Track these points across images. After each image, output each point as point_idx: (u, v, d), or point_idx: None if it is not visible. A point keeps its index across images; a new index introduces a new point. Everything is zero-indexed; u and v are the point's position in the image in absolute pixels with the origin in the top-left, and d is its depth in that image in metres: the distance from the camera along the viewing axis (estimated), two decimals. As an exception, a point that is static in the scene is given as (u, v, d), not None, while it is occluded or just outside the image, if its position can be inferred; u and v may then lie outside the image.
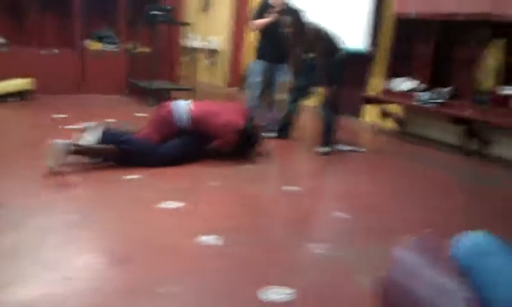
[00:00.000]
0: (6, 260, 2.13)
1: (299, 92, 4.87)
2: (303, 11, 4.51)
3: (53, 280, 2.00)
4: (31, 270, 2.06)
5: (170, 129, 3.78)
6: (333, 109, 4.56)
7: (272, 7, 5.06)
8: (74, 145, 3.36)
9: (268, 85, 5.38)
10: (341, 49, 4.51)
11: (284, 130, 4.99)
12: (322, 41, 4.45)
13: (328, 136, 4.60)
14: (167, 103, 3.96)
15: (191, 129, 3.79)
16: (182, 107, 3.84)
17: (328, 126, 4.58)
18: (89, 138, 3.50)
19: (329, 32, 4.51)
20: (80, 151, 3.43)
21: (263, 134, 4.40)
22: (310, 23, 4.50)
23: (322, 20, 6.57)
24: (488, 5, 4.61)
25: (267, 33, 5.08)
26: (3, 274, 2.02)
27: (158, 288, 2.01)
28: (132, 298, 1.93)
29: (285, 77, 5.20)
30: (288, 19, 4.44)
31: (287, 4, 5.10)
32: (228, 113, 3.90)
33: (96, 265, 2.17)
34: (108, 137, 3.55)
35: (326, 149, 4.56)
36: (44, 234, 2.42)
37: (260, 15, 5.13)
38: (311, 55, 4.56)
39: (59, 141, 3.28)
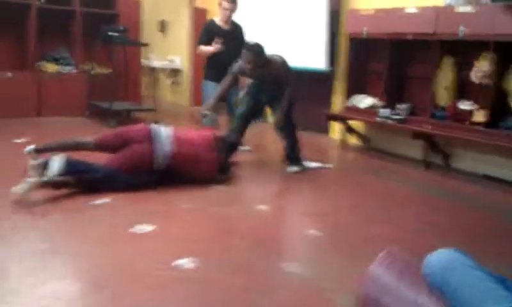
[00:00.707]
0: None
1: (245, 116, 4.69)
2: (262, 46, 4.33)
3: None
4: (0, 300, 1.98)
5: (144, 167, 3.65)
6: (290, 128, 4.62)
7: (218, 30, 5.01)
8: (42, 182, 3.25)
9: (224, 105, 5.25)
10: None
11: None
12: (288, 71, 4.48)
13: (294, 155, 4.65)
14: (148, 138, 3.69)
15: (166, 169, 3.72)
16: (163, 149, 3.67)
17: (292, 146, 4.64)
18: (54, 167, 3.32)
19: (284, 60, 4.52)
20: (48, 184, 3.32)
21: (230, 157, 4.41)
22: (270, 56, 4.41)
23: (282, 41, 6.79)
24: (432, 25, 4.84)
25: (216, 54, 4.99)
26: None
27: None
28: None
29: (238, 95, 5.17)
30: (247, 54, 4.26)
31: (235, 25, 5.12)
32: (206, 156, 3.90)
33: (66, 295, 2.10)
34: (72, 166, 3.40)
35: (296, 168, 4.60)
36: (9, 264, 2.34)
37: (206, 39, 5.04)
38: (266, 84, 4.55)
39: (28, 181, 3.18)
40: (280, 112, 4.50)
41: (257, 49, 4.27)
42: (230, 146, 4.45)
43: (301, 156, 4.72)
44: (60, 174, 3.30)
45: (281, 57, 4.45)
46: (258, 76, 4.51)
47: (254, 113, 4.74)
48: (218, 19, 5.14)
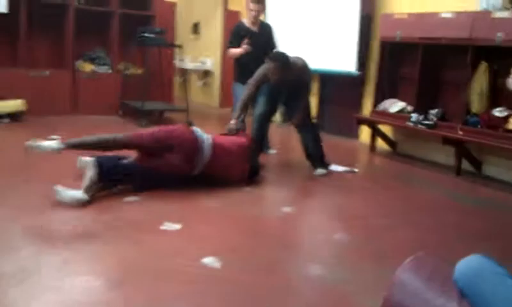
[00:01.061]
0: (4, 285, 2.12)
1: (263, 117, 4.74)
2: (286, 56, 4.34)
3: (44, 303, 1.99)
4: (26, 293, 2.05)
5: (180, 174, 3.66)
6: (312, 129, 4.63)
7: (247, 32, 5.03)
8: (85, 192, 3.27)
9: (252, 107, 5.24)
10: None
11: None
12: (308, 74, 4.51)
13: (318, 157, 4.65)
14: (192, 151, 3.64)
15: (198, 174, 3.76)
16: (204, 159, 3.69)
17: (316, 147, 4.64)
18: (89, 174, 3.36)
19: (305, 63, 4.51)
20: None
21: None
22: (291, 59, 4.38)
23: (313, 44, 6.78)
24: (467, 30, 4.75)
25: (243, 56, 5.03)
26: (3, 298, 2.01)
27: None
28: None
29: None
30: (273, 65, 4.26)
31: (263, 25, 5.12)
32: (240, 165, 3.95)
33: (92, 289, 2.16)
34: (105, 175, 3.40)
35: (323, 171, 4.61)
36: (39, 257, 2.41)
37: (235, 41, 5.06)
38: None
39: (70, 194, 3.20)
40: (299, 112, 4.51)
41: (283, 60, 4.29)
42: (253, 149, 4.48)
43: (326, 158, 4.72)
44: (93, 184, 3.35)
45: (302, 60, 4.45)
46: (281, 80, 4.48)
47: (271, 113, 4.78)
48: (246, 21, 5.18)
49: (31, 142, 3.33)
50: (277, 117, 7.62)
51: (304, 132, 4.64)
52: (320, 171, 4.60)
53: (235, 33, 5.11)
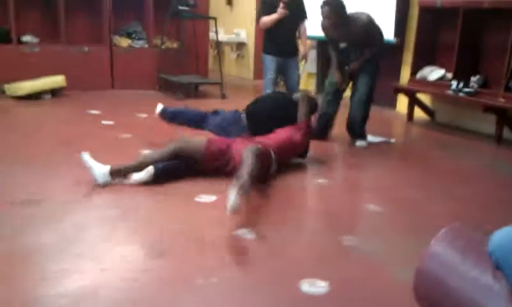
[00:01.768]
0: (48, 254, 2.23)
1: (337, 94, 4.65)
2: (341, 2, 4.19)
3: (92, 272, 2.09)
4: (72, 263, 2.15)
5: None
6: (368, 101, 4.50)
7: (278, 0, 4.87)
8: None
9: (283, 81, 5.24)
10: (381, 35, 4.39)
11: (323, 131, 4.71)
12: (375, 30, 4.27)
13: (361, 129, 4.55)
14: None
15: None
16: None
17: (363, 120, 4.52)
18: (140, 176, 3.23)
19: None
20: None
21: None
22: (354, 13, 4.26)
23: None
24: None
25: (274, 26, 4.91)
26: (45, 267, 2.12)
27: (196, 279, 2.07)
28: (170, 289, 2.00)
29: (298, 72, 5.10)
30: (326, 9, 4.14)
31: None
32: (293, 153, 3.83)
33: (134, 258, 2.25)
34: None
35: (364, 143, 4.53)
36: (83, 229, 2.52)
37: (268, 10, 4.92)
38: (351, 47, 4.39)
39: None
40: (356, 63, 4.37)
41: (336, 3, 4.14)
42: (322, 128, 4.58)
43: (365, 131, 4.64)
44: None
45: (367, 16, 4.23)
46: (343, 36, 4.34)
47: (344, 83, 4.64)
48: None
49: (86, 157, 3.10)
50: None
51: (363, 103, 4.44)
52: (362, 142, 4.52)
53: (267, 2, 5.01)
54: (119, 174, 3.17)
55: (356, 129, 4.55)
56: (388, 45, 6.17)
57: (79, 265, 2.14)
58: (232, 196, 2.53)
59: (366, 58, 4.34)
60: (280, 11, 4.83)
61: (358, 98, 4.44)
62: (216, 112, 4.06)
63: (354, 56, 4.42)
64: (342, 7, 4.17)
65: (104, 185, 3.09)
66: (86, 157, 3.10)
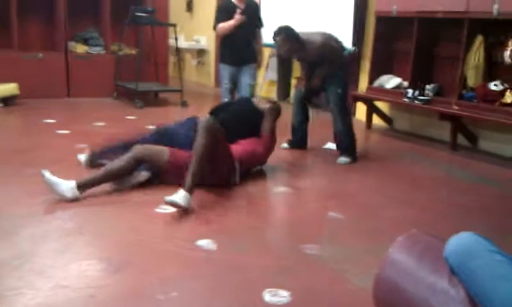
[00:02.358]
0: (1, 271, 2.13)
1: (301, 104, 4.68)
2: (290, 28, 4.23)
3: (48, 289, 2.01)
4: (26, 280, 2.06)
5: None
6: (344, 113, 4.43)
7: (234, 7, 4.81)
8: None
9: (236, 89, 5.12)
10: (345, 47, 4.45)
11: (299, 141, 4.76)
12: (335, 43, 4.32)
13: (346, 144, 4.43)
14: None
15: None
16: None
17: (345, 134, 4.41)
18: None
19: (330, 34, 4.39)
20: None
21: None
22: (309, 35, 4.29)
23: (308, 19, 6.71)
24: (464, 3, 4.70)
25: (228, 35, 4.86)
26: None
27: (156, 293, 2.02)
28: (129, 305, 1.95)
29: (253, 80, 5.05)
30: (279, 38, 4.19)
31: (249, 1, 4.88)
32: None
33: (91, 272, 2.18)
34: None
35: (347, 159, 4.38)
36: (38, 242, 2.42)
37: (224, 17, 4.85)
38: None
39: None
40: (316, 78, 4.39)
41: (287, 32, 4.20)
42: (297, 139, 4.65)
43: (356, 146, 4.49)
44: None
45: (323, 38, 4.28)
46: (301, 59, 4.43)
47: (310, 99, 4.66)
48: None
49: (47, 175, 2.94)
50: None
51: (339, 116, 4.39)
52: (344, 159, 4.38)
53: (222, 8, 4.95)
54: (87, 187, 3.04)
55: (342, 142, 4.44)
56: (350, 55, 6.32)
57: (34, 282, 2.05)
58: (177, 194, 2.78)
59: (325, 74, 4.39)
60: (237, 17, 4.78)
61: (332, 109, 4.45)
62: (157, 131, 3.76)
63: (318, 71, 4.45)
64: (294, 34, 4.22)
65: (73, 200, 2.96)
66: (47, 174, 2.93)
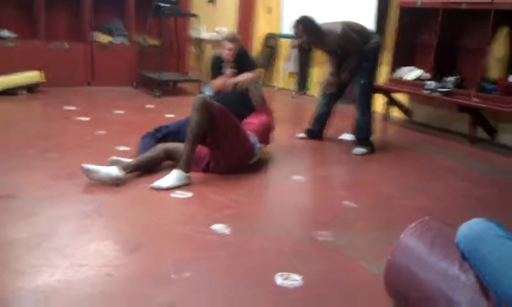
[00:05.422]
0: (22, 249, 2.21)
1: (326, 97, 4.66)
2: (309, 18, 4.21)
3: (66, 267, 2.07)
4: (45, 258, 2.13)
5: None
6: (365, 103, 4.38)
7: (223, 63, 4.60)
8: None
9: None
10: (373, 36, 4.37)
11: (318, 132, 4.74)
12: (347, 38, 4.23)
13: (364, 134, 4.39)
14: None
15: None
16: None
17: (364, 124, 4.37)
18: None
19: (353, 24, 4.33)
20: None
21: None
22: (328, 25, 4.27)
23: (330, 10, 6.67)
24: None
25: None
26: (19, 262, 2.10)
27: (170, 273, 2.07)
28: (144, 283, 2.00)
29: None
30: (298, 28, 4.19)
31: (239, 48, 4.60)
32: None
33: (108, 252, 2.24)
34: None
35: (363, 150, 4.33)
36: (57, 223, 2.50)
37: (216, 74, 4.63)
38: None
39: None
40: (346, 73, 4.37)
41: (306, 21, 4.20)
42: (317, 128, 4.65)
43: (372, 137, 4.46)
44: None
45: (342, 28, 4.20)
46: (321, 49, 4.46)
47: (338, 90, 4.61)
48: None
49: (87, 166, 3.04)
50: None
51: (359, 107, 4.37)
52: (360, 149, 4.35)
53: (214, 67, 4.72)
54: (129, 169, 3.19)
55: (358, 133, 4.42)
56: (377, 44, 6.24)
57: (53, 260, 2.12)
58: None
59: (352, 67, 4.34)
60: (227, 72, 4.56)
61: (356, 100, 4.42)
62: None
63: (346, 64, 4.41)
64: (313, 24, 4.22)
65: (115, 182, 3.06)
66: (86, 166, 3.03)
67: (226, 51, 4.60)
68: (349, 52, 4.31)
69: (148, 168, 3.33)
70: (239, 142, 3.43)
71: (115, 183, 3.05)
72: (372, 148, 4.41)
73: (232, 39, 4.63)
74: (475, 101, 4.73)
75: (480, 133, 5.01)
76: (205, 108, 3.22)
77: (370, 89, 4.42)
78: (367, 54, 4.29)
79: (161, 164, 3.41)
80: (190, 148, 3.18)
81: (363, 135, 4.40)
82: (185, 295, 1.93)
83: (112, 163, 3.22)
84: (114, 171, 3.07)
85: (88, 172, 3.02)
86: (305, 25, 4.20)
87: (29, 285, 1.92)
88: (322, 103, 4.69)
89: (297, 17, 4.29)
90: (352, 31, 4.26)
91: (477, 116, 4.87)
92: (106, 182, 3.03)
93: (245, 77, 4.41)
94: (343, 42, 4.24)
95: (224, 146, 3.36)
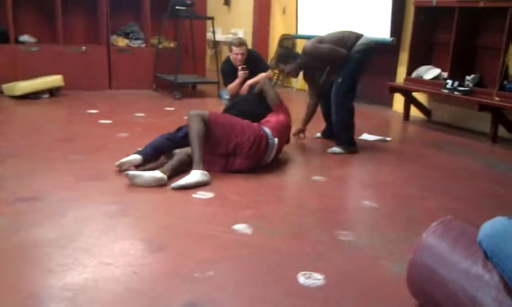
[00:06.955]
0: (51, 249, 2.27)
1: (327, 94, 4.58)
2: (283, 53, 4.43)
3: (93, 266, 2.13)
4: (73, 257, 2.19)
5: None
6: (343, 109, 4.29)
7: (236, 67, 4.80)
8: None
9: None
10: (361, 40, 4.32)
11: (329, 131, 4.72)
12: (322, 44, 4.23)
13: (343, 137, 4.36)
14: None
15: None
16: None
17: (342, 128, 4.33)
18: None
19: (328, 34, 4.33)
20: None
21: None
22: (298, 54, 4.34)
23: (347, 11, 6.68)
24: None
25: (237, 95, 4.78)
26: (50, 261, 2.16)
27: (193, 272, 2.11)
28: (168, 281, 2.04)
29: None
30: (281, 68, 4.38)
31: (248, 52, 4.84)
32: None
33: (134, 252, 2.29)
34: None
35: (337, 149, 4.32)
36: (83, 224, 2.56)
37: (231, 79, 4.84)
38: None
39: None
40: (331, 75, 4.38)
41: (279, 59, 4.42)
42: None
43: (353, 140, 4.40)
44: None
45: (306, 48, 4.20)
46: (309, 71, 4.47)
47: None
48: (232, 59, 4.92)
49: (132, 172, 3.18)
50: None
51: (337, 111, 4.31)
52: (334, 149, 4.33)
53: (226, 72, 4.92)
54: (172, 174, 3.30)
55: (336, 132, 4.40)
56: (384, 43, 6.25)
57: (81, 259, 2.18)
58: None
59: (332, 75, 4.35)
60: (240, 73, 4.77)
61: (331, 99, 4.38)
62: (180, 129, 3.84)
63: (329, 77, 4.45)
64: (286, 58, 4.36)
65: (162, 182, 3.17)
66: (132, 172, 3.16)
67: (234, 56, 4.75)
68: (329, 62, 4.33)
69: (180, 171, 3.37)
70: (244, 135, 3.49)
71: (160, 184, 3.16)
72: (350, 149, 4.33)
73: (238, 44, 4.79)
74: (496, 99, 4.69)
75: (502, 131, 4.96)
76: (199, 118, 3.41)
77: (347, 89, 4.24)
78: (351, 55, 4.22)
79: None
80: (198, 147, 3.32)
81: (337, 134, 4.38)
82: (209, 294, 1.97)
83: (121, 165, 3.37)
84: (157, 173, 3.18)
85: (132, 178, 3.13)
86: (283, 60, 4.35)
87: (59, 283, 1.98)
88: (323, 103, 4.66)
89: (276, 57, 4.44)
90: (326, 42, 4.22)
91: (499, 115, 4.83)
92: (151, 185, 3.14)
93: (258, 78, 4.53)
94: (315, 58, 4.24)
95: (229, 145, 3.48)
